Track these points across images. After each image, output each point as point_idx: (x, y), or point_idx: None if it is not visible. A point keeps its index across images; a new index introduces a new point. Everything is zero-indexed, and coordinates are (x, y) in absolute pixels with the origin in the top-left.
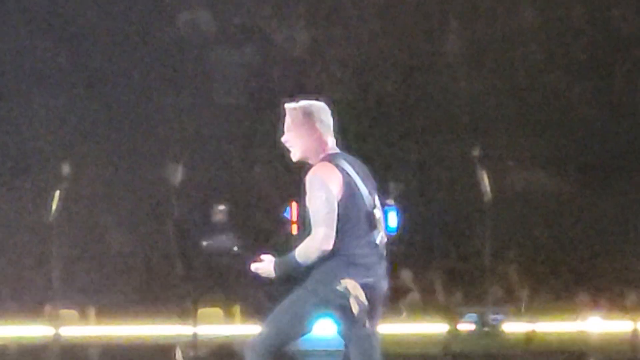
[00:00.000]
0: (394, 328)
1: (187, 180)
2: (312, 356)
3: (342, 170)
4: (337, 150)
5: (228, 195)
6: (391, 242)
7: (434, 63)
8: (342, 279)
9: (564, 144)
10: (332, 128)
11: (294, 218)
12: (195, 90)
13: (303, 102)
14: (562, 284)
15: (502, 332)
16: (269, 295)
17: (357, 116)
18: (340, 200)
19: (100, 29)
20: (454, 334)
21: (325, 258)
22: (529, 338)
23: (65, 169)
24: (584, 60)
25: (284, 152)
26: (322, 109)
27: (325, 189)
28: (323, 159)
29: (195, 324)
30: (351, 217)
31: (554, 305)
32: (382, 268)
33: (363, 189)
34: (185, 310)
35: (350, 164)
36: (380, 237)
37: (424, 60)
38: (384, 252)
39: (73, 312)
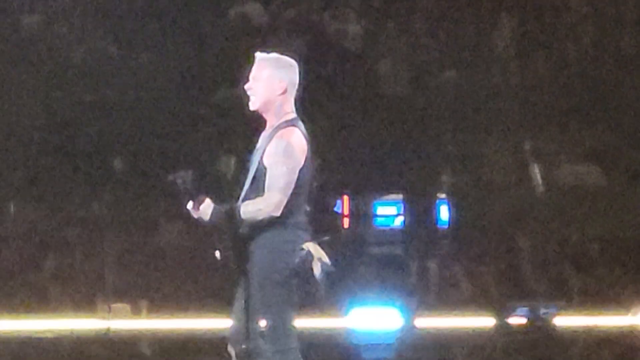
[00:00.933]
0: (445, 322)
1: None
2: (364, 350)
3: (305, 138)
4: (294, 115)
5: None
6: (442, 235)
7: (486, 57)
8: (302, 243)
9: (616, 138)
10: (296, 88)
11: (345, 212)
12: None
13: (274, 54)
14: (615, 278)
15: (554, 326)
16: None
17: (410, 111)
18: (301, 168)
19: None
20: (504, 328)
21: (278, 225)
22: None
23: (118, 162)
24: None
25: (335, 145)
26: (291, 66)
27: (293, 157)
28: (290, 124)
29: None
30: (302, 186)
31: (606, 300)
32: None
33: (310, 160)
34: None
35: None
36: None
37: (476, 55)
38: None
39: (126, 306)
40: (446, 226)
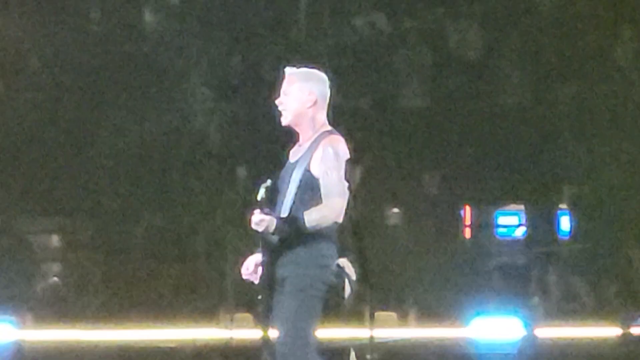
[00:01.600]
0: (566, 331)
1: (366, 182)
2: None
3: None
4: (328, 127)
5: (402, 198)
6: (564, 245)
7: (608, 68)
8: (338, 258)
9: None
10: (327, 101)
11: (467, 222)
12: (377, 93)
13: (304, 69)
14: None
15: None
16: (440, 300)
17: (532, 121)
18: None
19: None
20: (627, 337)
21: (321, 238)
22: None
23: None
24: None
25: (458, 156)
26: (321, 80)
27: (342, 163)
28: (333, 132)
29: (371, 327)
30: None
31: None
32: None
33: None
34: (360, 313)
35: None
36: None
37: (598, 66)
38: None
39: (248, 316)
40: (567, 236)
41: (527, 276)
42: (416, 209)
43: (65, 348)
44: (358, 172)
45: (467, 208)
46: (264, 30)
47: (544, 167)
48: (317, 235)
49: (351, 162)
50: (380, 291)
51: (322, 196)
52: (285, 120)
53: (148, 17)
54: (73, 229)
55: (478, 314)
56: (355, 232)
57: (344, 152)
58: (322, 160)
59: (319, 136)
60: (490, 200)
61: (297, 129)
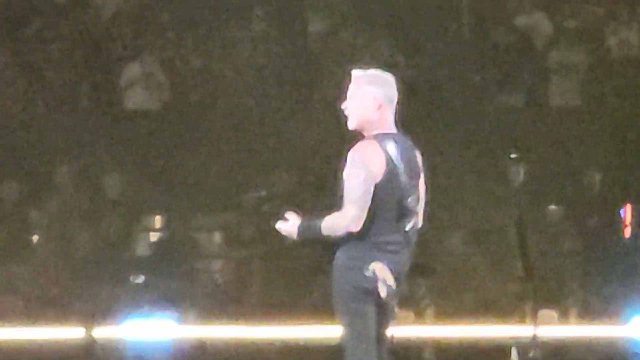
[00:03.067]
0: None
1: (526, 179)
2: None
3: (386, 152)
4: (391, 130)
5: (563, 196)
6: None
7: None
8: (371, 262)
9: None
10: (394, 103)
11: (627, 221)
12: (530, 91)
13: (370, 71)
14: None
15: None
16: (600, 298)
17: None
18: (378, 183)
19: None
20: None
21: (353, 242)
22: None
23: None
24: None
25: (619, 154)
26: (386, 82)
27: (365, 168)
28: (371, 137)
29: (534, 325)
30: (385, 203)
31: None
32: (407, 253)
33: (403, 176)
34: (524, 311)
35: (399, 147)
36: (411, 224)
37: None
38: (414, 239)
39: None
40: None
41: None
42: (576, 208)
43: (226, 345)
44: (521, 171)
45: (628, 207)
46: (426, 29)
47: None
48: (353, 238)
49: (514, 161)
50: (542, 289)
51: (343, 203)
52: (351, 125)
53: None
54: (235, 226)
55: (638, 312)
56: (518, 231)
57: (371, 158)
58: (346, 166)
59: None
60: None
61: (363, 134)
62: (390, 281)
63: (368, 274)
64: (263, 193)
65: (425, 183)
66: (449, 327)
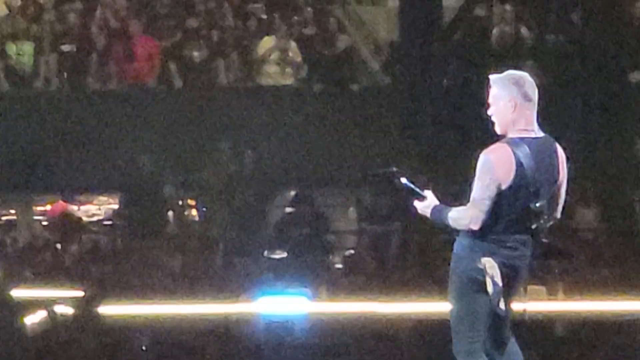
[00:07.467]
0: None
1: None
2: None
3: (516, 158)
4: (529, 131)
5: None
6: None
7: None
8: (483, 256)
9: None
10: (534, 101)
11: None
12: None
13: (504, 74)
14: None
15: None
16: None
17: None
18: (504, 188)
19: None
20: None
21: (474, 235)
22: None
23: None
24: None
25: None
26: (519, 80)
27: (491, 173)
28: (505, 141)
29: None
30: (510, 206)
31: None
32: (529, 252)
33: (533, 181)
34: None
35: (533, 152)
36: (538, 225)
37: None
38: (540, 237)
39: (541, 288)
40: None
41: None
42: None
43: (358, 320)
44: None
45: None
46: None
47: None
48: (482, 232)
49: None
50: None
51: None
52: (497, 130)
53: None
54: (369, 201)
55: None
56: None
57: (498, 161)
58: (477, 167)
59: None
60: None
61: (504, 134)
62: (498, 279)
63: (479, 266)
64: (394, 169)
65: (568, 181)
66: (580, 303)
